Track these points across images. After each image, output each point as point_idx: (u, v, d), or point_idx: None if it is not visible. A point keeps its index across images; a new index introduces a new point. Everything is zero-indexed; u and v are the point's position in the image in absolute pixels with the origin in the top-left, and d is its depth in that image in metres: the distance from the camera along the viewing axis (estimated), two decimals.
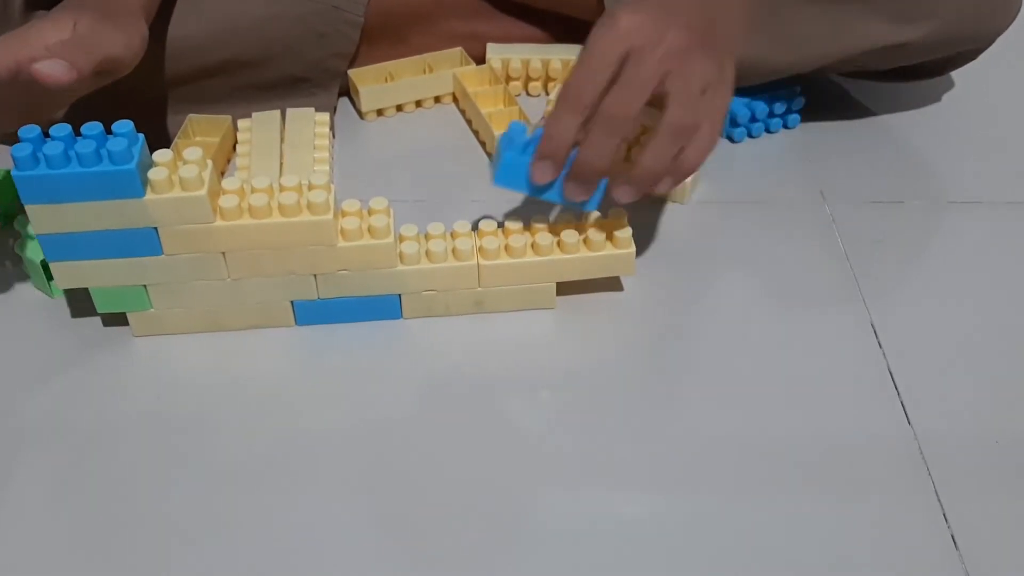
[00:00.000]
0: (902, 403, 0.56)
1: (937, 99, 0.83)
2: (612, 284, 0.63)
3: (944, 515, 0.50)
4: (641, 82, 0.52)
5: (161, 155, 0.53)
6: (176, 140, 0.71)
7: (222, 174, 0.73)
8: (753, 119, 0.76)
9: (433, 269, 0.59)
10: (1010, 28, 0.72)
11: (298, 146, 0.70)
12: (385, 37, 0.79)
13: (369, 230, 0.57)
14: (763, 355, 0.59)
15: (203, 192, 0.53)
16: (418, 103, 0.81)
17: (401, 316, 0.61)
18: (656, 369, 0.58)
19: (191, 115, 0.73)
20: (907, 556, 0.48)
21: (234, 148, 0.74)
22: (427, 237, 0.59)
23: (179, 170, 0.53)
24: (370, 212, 0.58)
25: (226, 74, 0.73)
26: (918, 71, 0.76)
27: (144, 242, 0.54)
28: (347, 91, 0.81)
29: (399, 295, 0.60)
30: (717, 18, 0.57)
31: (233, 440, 0.54)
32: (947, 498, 0.50)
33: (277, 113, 0.74)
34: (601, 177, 0.56)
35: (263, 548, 0.49)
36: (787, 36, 0.70)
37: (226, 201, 0.54)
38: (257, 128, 0.72)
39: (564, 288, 0.62)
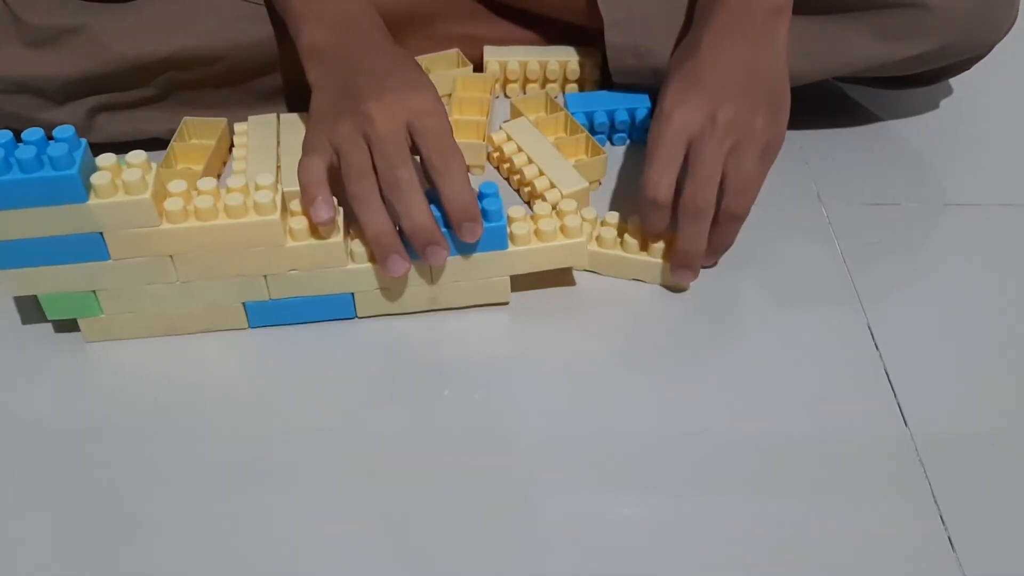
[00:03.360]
0: (899, 404, 0.55)
1: (934, 102, 0.83)
2: (564, 279, 0.64)
3: (941, 516, 0.50)
4: (709, 171, 0.57)
5: (104, 159, 0.52)
6: (172, 142, 0.71)
7: (218, 176, 0.73)
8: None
9: None
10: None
11: (295, 152, 0.70)
12: None
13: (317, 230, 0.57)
14: (760, 356, 0.59)
15: (147, 195, 0.52)
16: None
17: (355, 315, 0.61)
18: (651, 369, 0.58)
19: (187, 117, 0.73)
20: (904, 557, 0.48)
21: (230, 151, 0.74)
22: None
23: (122, 174, 0.52)
24: None
25: (225, 85, 0.73)
26: (914, 79, 0.76)
27: (91, 247, 0.54)
28: None
29: (352, 293, 0.60)
30: (760, 69, 0.60)
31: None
32: (944, 499, 0.50)
33: (273, 116, 0.74)
34: (701, 259, 0.60)
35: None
36: (789, 52, 0.70)
37: (171, 204, 0.54)
38: (253, 131, 0.72)
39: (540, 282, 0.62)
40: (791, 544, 0.48)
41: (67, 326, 0.60)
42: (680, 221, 0.58)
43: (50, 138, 0.51)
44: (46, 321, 0.59)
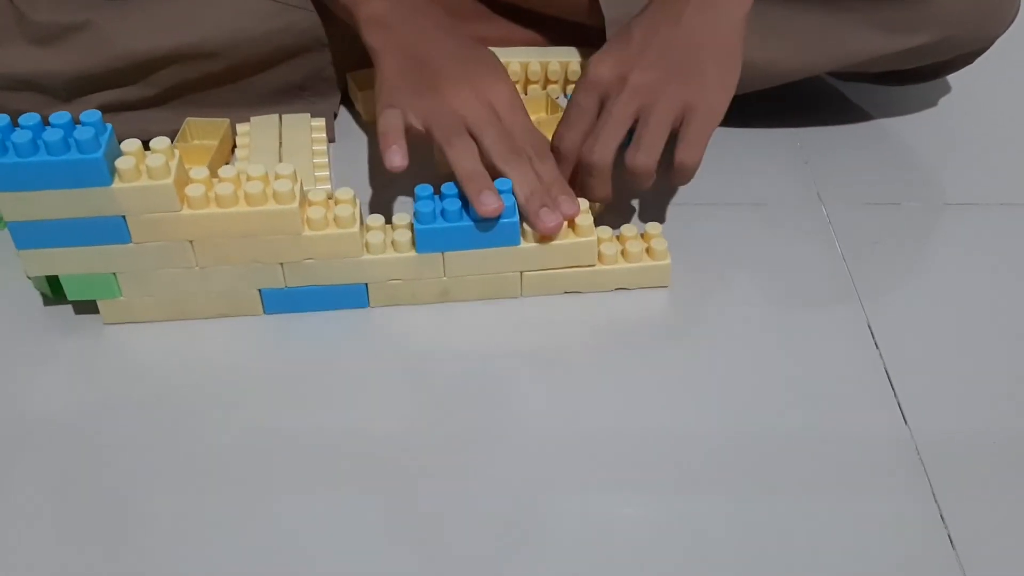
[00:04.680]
0: (899, 404, 0.56)
1: (933, 101, 0.83)
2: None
3: (941, 515, 0.50)
4: (608, 130, 0.60)
5: (129, 145, 0.53)
6: (174, 143, 0.71)
7: None
8: None
9: (398, 258, 0.59)
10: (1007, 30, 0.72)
11: (297, 152, 0.70)
12: None
13: (335, 220, 0.57)
14: (760, 356, 0.59)
15: (169, 181, 0.53)
16: None
17: (368, 305, 0.61)
18: (651, 368, 0.58)
19: (189, 118, 0.73)
20: (904, 556, 0.48)
21: (232, 152, 0.75)
22: (393, 227, 0.60)
23: (146, 159, 0.53)
24: (336, 202, 0.58)
25: (228, 82, 0.73)
26: (915, 75, 0.76)
27: (113, 230, 0.55)
28: (347, 94, 0.81)
29: (365, 284, 0.60)
30: (700, 38, 0.61)
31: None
32: (944, 498, 0.50)
33: (275, 117, 0.74)
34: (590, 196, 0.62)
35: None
36: (786, 45, 0.70)
37: (193, 190, 0.55)
38: (256, 132, 0.72)
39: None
40: (790, 542, 0.48)
41: (87, 308, 0.60)
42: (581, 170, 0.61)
43: (77, 122, 0.52)
44: (66, 303, 0.60)
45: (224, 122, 0.74)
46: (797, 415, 0.55)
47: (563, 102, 0.79)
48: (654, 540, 0.49)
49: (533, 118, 0.74)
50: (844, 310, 0.62)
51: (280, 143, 0.71)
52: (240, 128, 0.74)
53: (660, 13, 0.61)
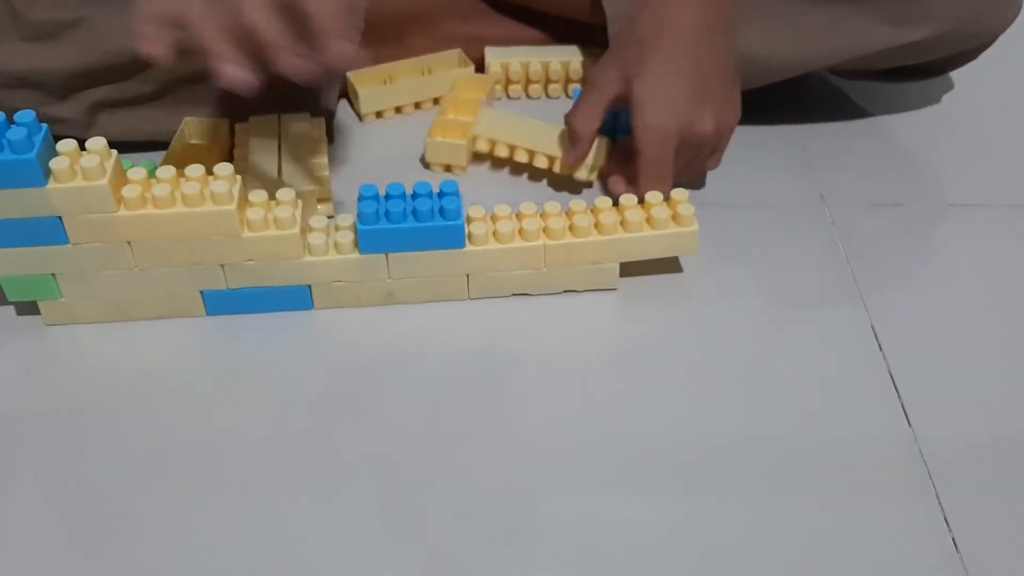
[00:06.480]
0: (903, 405, 0.55)
1: (937, 101, 0.83)
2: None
3: (945, 518, 0.49)
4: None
5: (64, 145, 0.53)
6: (172, 143, 0.71)
7: None
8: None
9: (341, 260, 0.59)
10: (1010, 30, 0.72)
11: (295, 152, 0.70)
12: (384, 39, 0.79)
13: (275, 221, 0.57)
14: (763, 357, 0.58)
15: (104, 181, 0.53)
16: (417, 105, 0.81)
17: (313, 306, 0.61)
18: (653, 370, 0.58)
19: (187, 118, 0.72)
20: (908, 559, 0.47)
21: (231, 151, 0.74)
22: (336, 228, 0.59)
23: (80, 160, 0.53)
24: (277, 203, 0.58)
25: None
26: (920, 70, 0.76)
27: (50, 231, 0.55)
28: (346, 93, 0.81)
29: (309, 286, 0.60)
30: (711, 51, 0.62)
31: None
32: (948, 500, 0.50)
33: (274, 117, 0.74)
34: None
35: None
36: (789, 38, 0.69)
37: (129, 191, 0.54)
38: (254, 132, 0.72)
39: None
40: (791, 546, 0.48)
41: (29, 309, 0.60)
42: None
43: (11, 122, 0.51)
44: (7, 304, 0.60)
45: (223, 122, 0.73)
46: (800, 417, 0.54)
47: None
48: (656, 543, 0.48)
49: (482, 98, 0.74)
50: (847, 312, 0.61)
51: (279, 143, 0.71)
52: (238, 128, 0.73)
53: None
